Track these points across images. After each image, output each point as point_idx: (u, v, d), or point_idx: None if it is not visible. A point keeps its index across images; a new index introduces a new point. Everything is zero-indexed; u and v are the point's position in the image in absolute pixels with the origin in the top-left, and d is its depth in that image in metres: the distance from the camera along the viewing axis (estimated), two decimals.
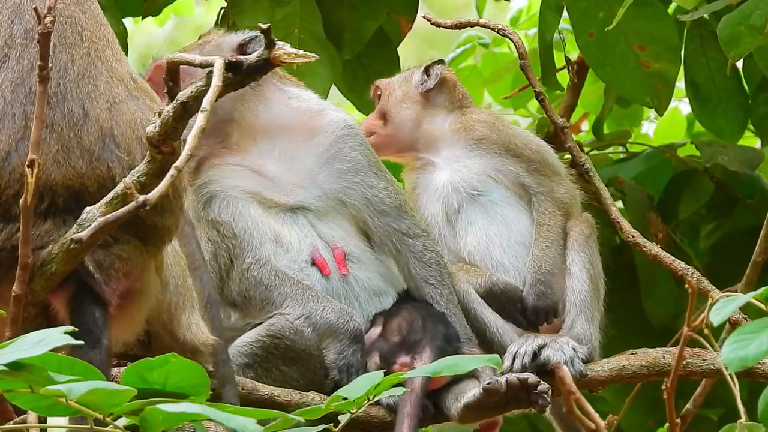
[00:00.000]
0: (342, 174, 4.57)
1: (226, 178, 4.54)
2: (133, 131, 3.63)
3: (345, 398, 3.10)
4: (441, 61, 4.88)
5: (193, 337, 3.87)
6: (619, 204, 5.80)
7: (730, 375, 2.93)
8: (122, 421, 2.70)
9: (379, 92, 4.89)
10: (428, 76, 4.85)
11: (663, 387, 2.70)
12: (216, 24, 5.48)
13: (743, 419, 2.83)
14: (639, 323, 5.59)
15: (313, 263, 4.51)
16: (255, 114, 4.58)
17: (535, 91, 4.89)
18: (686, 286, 2.65)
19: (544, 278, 4.62)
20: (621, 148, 6.05)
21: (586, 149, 5.84)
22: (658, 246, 4.66)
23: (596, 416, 2.53)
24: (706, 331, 2.73)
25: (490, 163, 4.75)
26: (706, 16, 5.32)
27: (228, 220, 4.50)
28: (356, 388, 3.08)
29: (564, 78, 5.64)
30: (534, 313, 4.62)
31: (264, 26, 3.36)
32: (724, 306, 2.66)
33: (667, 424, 2.74)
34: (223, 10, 5.46)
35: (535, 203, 4.72)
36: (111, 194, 3.45)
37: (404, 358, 4.39)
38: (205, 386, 2.75)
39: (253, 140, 4.58)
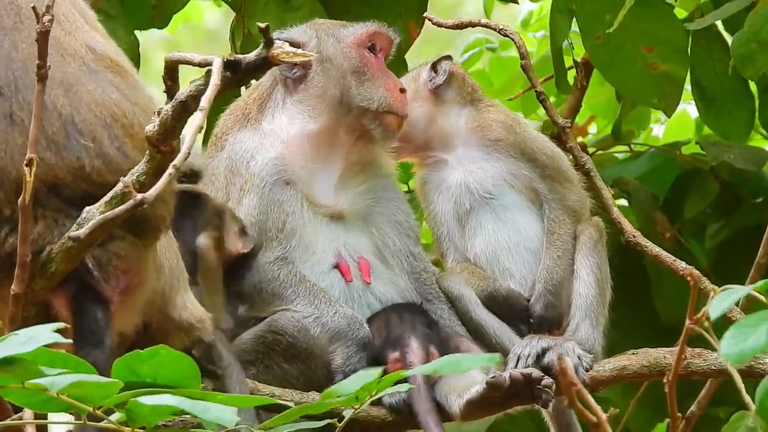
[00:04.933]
0: (380, 200, 4.70)
1: (309, 174, 4.60)
2: (94, 114, 3.51)
3: (339, 395, 3.06)
4: (448, 57, 4.85)
5: (189, 315, 3.86)
6: (624, 203, 5.78)
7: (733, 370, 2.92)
8: (115, 416, 2.69)
9: None
10: (436, 72, 4.82)
11: (664, 381, 2.69)
12: (231, 30, 5.48)
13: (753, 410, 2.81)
14: (647, 321, 5.57)
15: (337, 267, 4.55)
16: None
17: (536, 91, 4.87)
18: (688, 278, 2.63)
19: (554, 289, 4.61)
20: (626, 148, 6.03)
21: (591, 149, 5.83)
22: (665, 246, 4.64)
23: (598, 409, 2.51)
24: (707, 324, 2.71)
25: (505, 167, 4.72)
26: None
27: (287, 211, 4.54)
28: (351, 384, 3.05)
29: (571, 80, 5.63)
30: (539, 323, 4.60)
31: (262, 25, 3.35)
32: (724, 298, 2.64)
33: (667, 420, 2.71)
34: (236, 18, 5.46)
35: (547, 210, 4.70)
36: (110, 193, 3.43)
37: (394, 354, 4.39)
38: (195, 378, 2.73)
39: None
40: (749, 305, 3.66)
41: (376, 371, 3.04)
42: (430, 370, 3.20)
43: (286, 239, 4.51)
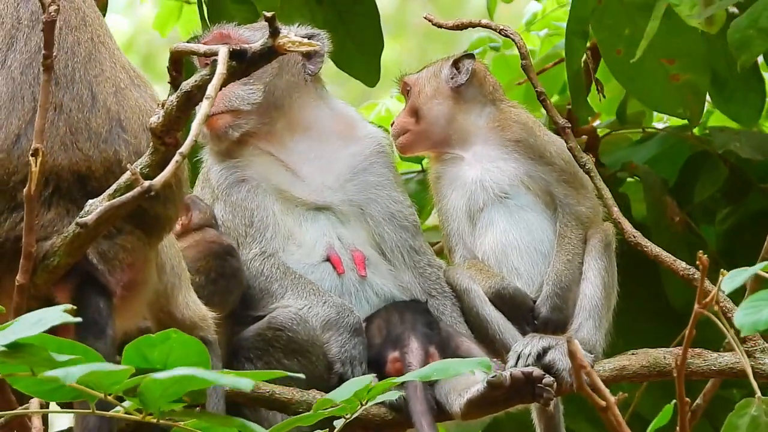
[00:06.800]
0: (370, 186, 4.67)
1: (261, 167, 4.61)
2: (138, 117, 3.63)
3: (334, 404, 3.03)
4: (471, 56, 4.85)
5: (192, 314, 3.88)
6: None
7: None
8: (125, 405, 2.66)
9: (408, 88, 4.86)
10: (458, 70, 4.82)
11: (673, 363, 2.68)
12: None
13: (758, 394, 2.81)
14: (656, 305, 5.54)
15: (328, 260, 4.54)
16: (301, 109, 4.67)
17: (536, 91, 4.85)
18: (697, 263, 2.65)
19: (561, 292, 4.61)
20: (638, 129, 6.03)
21: (603, 132, 5.82)
22: (675, 230, 4.62)
23: (607, 392, 2.51)
24: (716, 308, 2.72)
25: (522, 168, 4.72)
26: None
27: (251, 207, 4.56)
28: (343, 392, 3.02)
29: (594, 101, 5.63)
30: (544, 324, 4.60)
31: (268, 14, 3.35)
32: (736, 275, 2.65)
33: (674, 401, 2.72)
34: None
35: (560, 214, 4.70)
36: (114, 186, 3.44)
37: (393, 354, 4.39)
38: (206, 362, 2.70)
39: (294, 135, 4.66)
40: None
41: (367, 379, 3.01)
42: (420, 375, 3.17)
43: (259, 233, 4.52)
